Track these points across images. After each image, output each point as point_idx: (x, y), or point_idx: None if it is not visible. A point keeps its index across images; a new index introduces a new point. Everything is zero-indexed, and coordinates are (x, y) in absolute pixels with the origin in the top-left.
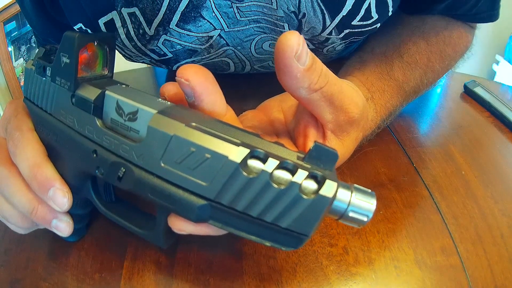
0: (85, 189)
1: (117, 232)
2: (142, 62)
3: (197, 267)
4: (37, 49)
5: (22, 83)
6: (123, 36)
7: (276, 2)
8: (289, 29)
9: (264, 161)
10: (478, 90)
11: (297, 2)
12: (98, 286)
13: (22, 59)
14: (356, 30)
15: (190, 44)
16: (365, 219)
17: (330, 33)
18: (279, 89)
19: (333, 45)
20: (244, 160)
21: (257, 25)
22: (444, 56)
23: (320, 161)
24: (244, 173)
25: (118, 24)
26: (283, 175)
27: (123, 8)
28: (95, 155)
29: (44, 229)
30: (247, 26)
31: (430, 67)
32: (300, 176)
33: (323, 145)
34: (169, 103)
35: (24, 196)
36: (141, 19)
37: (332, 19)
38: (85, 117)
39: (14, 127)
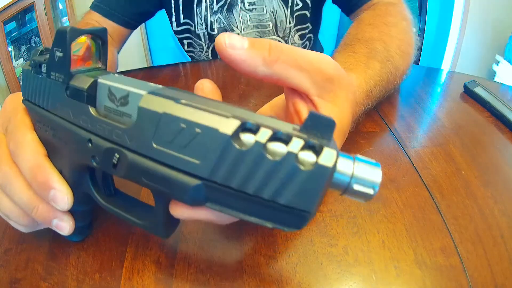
0: (84, 183)
1: (117, 232)
2: (191, 52)
3: (197, 267)
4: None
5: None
6: (205, 5)
7: (265, 7)
8: (272, 28)
9: (255, 132)
10: (478, 90)
11: (272, 4)
12: (98, 286)
13: (22, 59)
14: (298, 13)
15: (227, 26)
16: (371, 191)
17: (289, 22)
18: (279, 89)
19: (292, 35)
20: (236, 133)
21: (256, 30)
22: (388, 23)
23: (317, 130)
24: (236, 146)
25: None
26: (278, 145)
27: None
28: (90, 145)
29: (44, 229)
30: (251, 31)
31: (385, 34)
32: (296, 145)
33: (318, 113)
34: (161, 86)
35: (25, 194)
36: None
37: (287, 8)
38: (79, 107)
39: (14, 126)
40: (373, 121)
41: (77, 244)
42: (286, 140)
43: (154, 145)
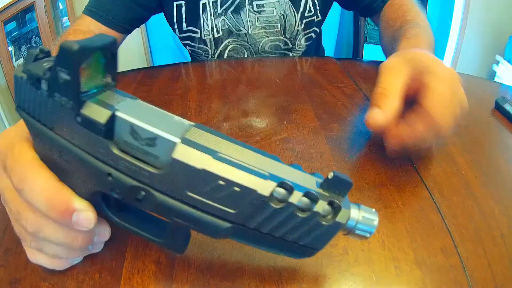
0: (96, 204)
1: (117, 232)
2: (196, 53)
3: (197, 267)
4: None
5: None
6: (209, 10)
7: (275, 9)
8: (281, 29)
9: (290, 192)
10: (508, 107)
11: (283, 8)
12: (98, 286)
13: (22, 59)
14: (307, 19)
15: (232, 27)
16: (367, 235)
17: (298, 25)
18: (279, 89)
19: (299, 38)
20: (271, 192)
21: (264, 30)
22: (409, 10)
23: (336, 188)
24: (272, 205)
25: (208, 5)
26: (307, 205)
27: None
28: (110, 178)
29: None
30: (259, 31)
31: (416, 19)
32: (321, 206)
33: (341, 174)
34: (186, 123)
35: (61, 232)
36: (218, 3)
37: (297, 13)
38: (95, 139)
39: (14, 161)
40: None
41: None
42: (313, 199)
43: (188, 193)
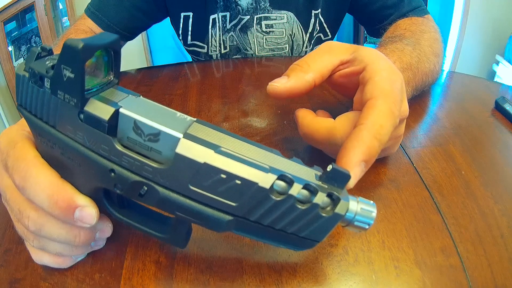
0: (98, 200)
1: (117, 232)
2: (202, 57)
3: (197, 267)
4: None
5: None
6: (218, 25)
7: (284, 30)
8: (288, 50)
9: (290, 184)
10: (508, 107)
11: (292, 27)
12: (98, 286)
13: (22, 59)
14: (315, 37)
15: (240, 45)
16: (366, 226)
17: (306, 47)
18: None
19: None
20: (272, 185)
21: (272, 53)
22: (422, 31)
23: (335, 180)
24: (273, 197)
25: (218, 20)
26: (306, 197)
27: (220, 12)
28: (113, 174)
29: None
30: (266, 53)
31: (419, 38)
32: (320, 197)
33: (339, 167)
34: (188, 118)
35: (63, 229)
36: (228, 19)
37: (305, 34)
38: (99, 136)
39: (15, 158)
40: None
41: None
42: (313, 191)
43: (191, 187)
